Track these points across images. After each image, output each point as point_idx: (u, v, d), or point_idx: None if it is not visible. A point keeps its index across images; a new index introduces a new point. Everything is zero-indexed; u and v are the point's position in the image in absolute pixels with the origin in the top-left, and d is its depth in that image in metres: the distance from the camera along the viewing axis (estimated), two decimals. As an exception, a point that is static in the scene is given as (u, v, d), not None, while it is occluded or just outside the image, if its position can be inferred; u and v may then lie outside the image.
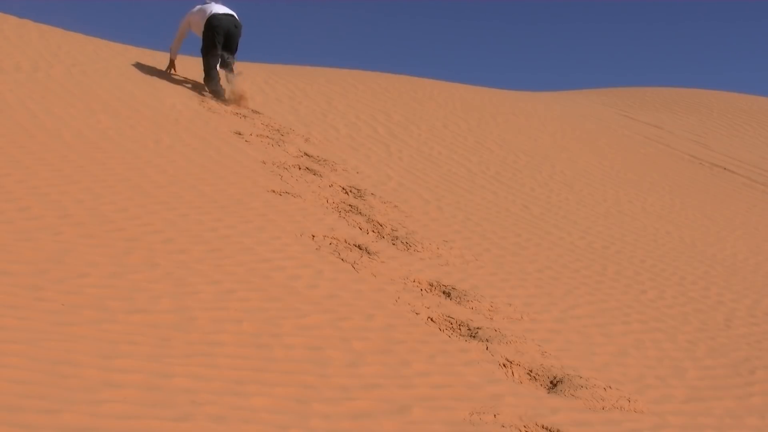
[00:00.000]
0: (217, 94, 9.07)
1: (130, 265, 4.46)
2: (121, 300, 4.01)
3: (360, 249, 5.59)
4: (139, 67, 9.79)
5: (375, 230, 6.09)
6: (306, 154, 7.83)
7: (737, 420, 4.32)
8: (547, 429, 3.70)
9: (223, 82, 9.18)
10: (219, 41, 9.12)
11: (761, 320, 6.19)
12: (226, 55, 9.24)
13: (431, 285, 5.28)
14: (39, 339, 3.44)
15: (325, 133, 8.94)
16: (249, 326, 4.05)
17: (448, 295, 5.18)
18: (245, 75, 9.74)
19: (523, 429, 3.64)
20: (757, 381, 4.95)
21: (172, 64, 9.79)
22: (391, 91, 11.81)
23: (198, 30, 9.35)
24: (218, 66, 9.22)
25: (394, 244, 5.89)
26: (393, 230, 6.19)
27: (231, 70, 9.21)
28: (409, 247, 5.90)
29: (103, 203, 5.30)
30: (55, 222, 4.84)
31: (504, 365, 4.31)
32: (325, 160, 7.73)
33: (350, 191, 6.95)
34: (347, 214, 6.29)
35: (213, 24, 9.14)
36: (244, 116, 8.76)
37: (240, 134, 7.92)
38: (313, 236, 5.60)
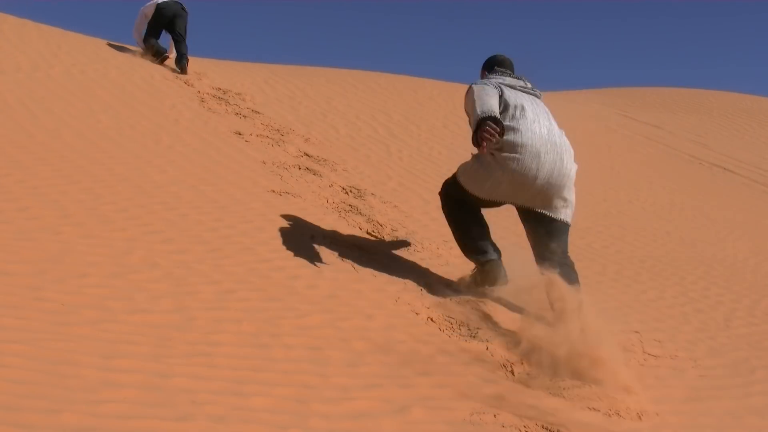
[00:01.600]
0: (160, 53, 10.33)
1: (130, 265, 4.46)
2: (121, 300, 4.01)
3: (360, 249, 5.58)
4: (139, 67, 9.80)
5: (375, 230, 6.09)
6: (306, 154, 7.83)
7: (737, 420, 4.32)
8: (547, 429, 3.70)
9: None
10: (162, 26, 10.48)
11: (761, 320, 6.19)
12: (180, 41, 10.44)
13: (431, 285, 5.28)
14: (39, 339, 3.44)
15: (325, 133, 8.94)
16: (249, 326, 4.05)
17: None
18: (245, 74, 9.76)
19: (523, 429, 3.64)
20: (757, 381, 4.95)
21: (151, 51, 10.50)
22: (391, 91, 11.82)
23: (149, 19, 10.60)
24: (173, 55, 10.46)
25: (394, 244, 5.89)
26: (393, 230, 6.19)
27: (184, 56, 10.28)
28: (409, 248, 5.90)
29: (103, 203, 5.30)
30: (55, 222, 4.84)
31: (504, 365, 4.30)
32: (325, 160, 7.73)
33: (350, 191, 6.94)
34: (347, 214, 6.29)
35: (160, 8, 10.45)
36: (244, 116, 8.77)
37: (240, 134, 7.92)
38: (313, 236, 5.59)
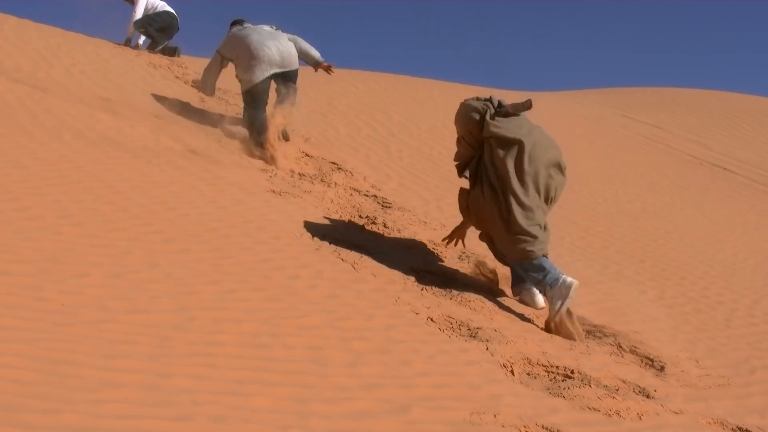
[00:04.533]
0: (163, 47, 10.77)
1: (130, 265, 4.46)
2: (121, 300, 4.02)
3: (360, 249, 5.58)
4: (139, 67, 9.79)
5: (375, 230, 6.09)
6: (306, 154, 7.83)
7: (737, 420, 4.32)
8: (547, 429, 3.70)
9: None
10: (158, 24, 10.82)
11: (761, 320, 6.19)
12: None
13: (431, 285, 5.28)
14: (39, 339, 3.44)
15: (325, 133, 8.93)
16: (249, 326, 4.05)
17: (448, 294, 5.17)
18: None
19: (523, 429, 3.64)
20: (757, 381, 4.96)
21: (155, 42, 10.75)
22: (391, 91, 11.81)
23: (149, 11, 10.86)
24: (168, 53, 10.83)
25: (394, 244, 5.89)
26: (393, 230, 6.18)
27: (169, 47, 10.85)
28: (409, 248, 5.90)
29: (103, 203, 5.30)
30: (55, 222, 4.84)
31: (504, 365, 4.31)
32: (324, 160, 7.73)
33: (350, 191, 6.94)
34: (347, 214, 6.29)
35: (162, 14, 10.80)
36: (244, 116, 8.75)
37: (240, 134, 7.91)
38: (313, 236, 5.60)
